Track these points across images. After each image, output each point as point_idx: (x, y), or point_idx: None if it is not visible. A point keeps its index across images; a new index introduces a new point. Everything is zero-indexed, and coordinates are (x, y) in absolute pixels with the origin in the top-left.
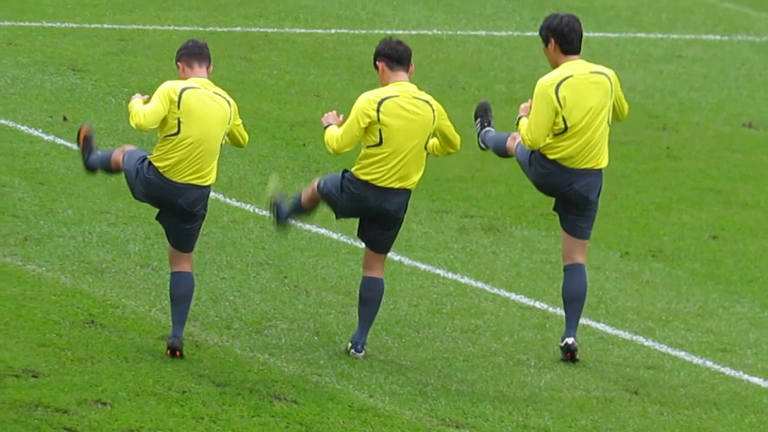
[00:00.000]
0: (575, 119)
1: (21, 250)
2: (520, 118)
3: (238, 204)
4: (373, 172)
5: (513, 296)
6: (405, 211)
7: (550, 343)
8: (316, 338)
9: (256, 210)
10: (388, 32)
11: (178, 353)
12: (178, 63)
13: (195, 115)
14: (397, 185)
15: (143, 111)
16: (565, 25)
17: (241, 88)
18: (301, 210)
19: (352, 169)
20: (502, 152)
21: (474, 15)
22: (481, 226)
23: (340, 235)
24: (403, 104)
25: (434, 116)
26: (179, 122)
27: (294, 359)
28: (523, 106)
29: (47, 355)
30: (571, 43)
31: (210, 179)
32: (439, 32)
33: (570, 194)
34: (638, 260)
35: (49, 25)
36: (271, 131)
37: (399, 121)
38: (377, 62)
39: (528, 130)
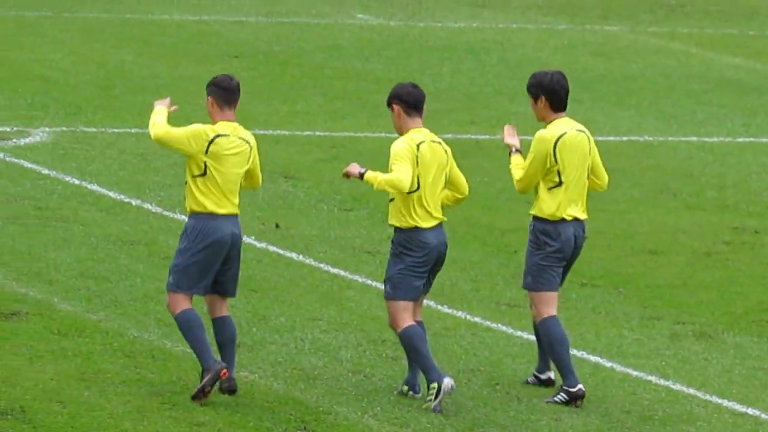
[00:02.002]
0: (568, 174)
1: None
2: (511, 153)
3: (449, 311)
4: (415, 216)
5: (725, 403)
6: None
7: None
8: None
9: (468, 317)
10: (599, 138)
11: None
12: (209, 97)
13: (221, 161)
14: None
15: (167, 129)
16: (556, 83)
17: None
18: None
19: (396, 225)
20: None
21: (685, 121)
22: (692, 332)
23: None
24: (430, 148)
25: (447, 157)
26: (206, 165)
27: None
28: (508, 132)
29: None
30: (561, 101)
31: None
32: (650, 138)
33: (577, 244)
34: None
35: (261, 132)
36: (482, 238)
37: (430, 164)
38: (393, 104)
39: (521, 179)
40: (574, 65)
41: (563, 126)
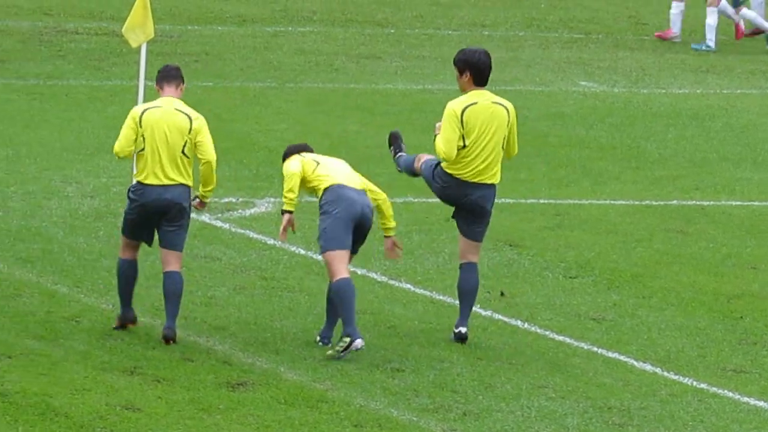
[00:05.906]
0: (472, 139)
1: (460, 425)
2: (435, 136)
3: (675, 377)
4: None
5: None
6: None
7: None
8: None
9: (694, 383)
10: None
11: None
12: (156, 85)
13: (153, 130)
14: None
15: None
16: (482, 62)
17: (677, 261)
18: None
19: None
20: (412, 173)
21: None
22: None
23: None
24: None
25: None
26: (144, 138)
27: None
28: (437, 125)
29: None
30: (483, 77)
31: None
32: None
33: (467, 204)
34: None
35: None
36: (708, 304)
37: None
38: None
39: (442, 145)
40: None
41: (476, 97)
